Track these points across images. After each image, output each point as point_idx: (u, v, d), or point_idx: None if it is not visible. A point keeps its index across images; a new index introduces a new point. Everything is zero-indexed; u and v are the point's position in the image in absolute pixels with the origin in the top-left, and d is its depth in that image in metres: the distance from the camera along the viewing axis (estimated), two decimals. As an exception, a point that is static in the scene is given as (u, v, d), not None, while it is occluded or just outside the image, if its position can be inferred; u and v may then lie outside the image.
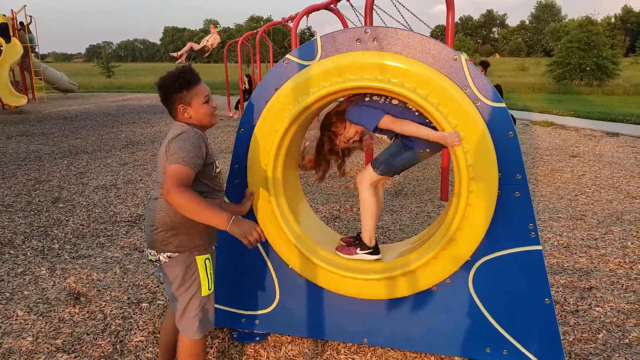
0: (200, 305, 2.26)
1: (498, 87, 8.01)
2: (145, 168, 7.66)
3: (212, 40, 12.83)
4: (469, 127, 2.35)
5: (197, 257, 2.24)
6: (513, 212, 2.46)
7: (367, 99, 2.63)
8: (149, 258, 2.27)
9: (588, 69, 30.35)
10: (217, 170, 2.34)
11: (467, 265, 2.58)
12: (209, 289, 2.29)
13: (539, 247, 2.47)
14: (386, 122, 2.53)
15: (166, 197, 2.00)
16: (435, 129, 2.45)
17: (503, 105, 2.37)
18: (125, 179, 6.99)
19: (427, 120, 2.50)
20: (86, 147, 9.49)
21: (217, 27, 13.11)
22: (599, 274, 3.79)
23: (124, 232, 4.88)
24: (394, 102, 2.57)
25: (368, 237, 2.80)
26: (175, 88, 2.19)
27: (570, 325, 3.08)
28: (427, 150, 2.60)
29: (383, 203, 2.98)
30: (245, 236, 2.04)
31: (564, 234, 4.63)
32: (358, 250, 2.81)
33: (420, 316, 2.71)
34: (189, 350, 2.28)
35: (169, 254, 2.20)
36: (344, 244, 2.90)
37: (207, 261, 2.28)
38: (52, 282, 3.80)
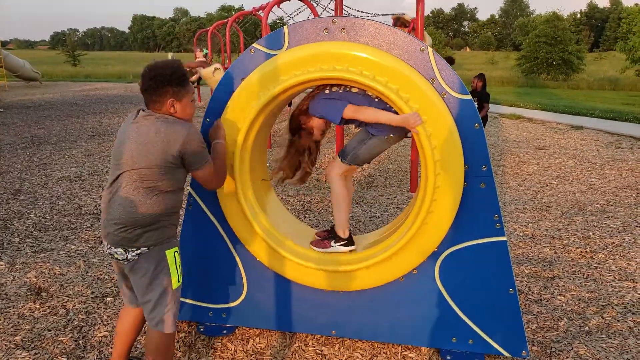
0: (172, 299, 2.24)
1: (482, 76, 7.95)
2: (111, 159, 7.47)
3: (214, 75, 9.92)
4: (436, 120, 2.36)
5: (166, 251, 2.21)
6: (478, 204, 2.49)
7: (327, 91, 2.61)
8: (116, 257, 2.19)
9: (555, 63, 31.14)
10: None
11: (433, 257, 2.60)
12: (179, 281, 2.27)
13: (504, 238, 2.52)
14: (349, 111, 2.51)
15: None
16: (396, 113, 2.45)
17: (469, 97, 2.39)
18: (90, 170, 6.79)
19: (387, 106, 2.49)
20: (50, 138, 9.18)
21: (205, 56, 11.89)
22: (562, 263, 3.90)
23: (88, 225, 4.74)
24: (354, 90, 2.56)
25: (342, 229, 2.80)
26: (172, 81, 2.17)
27: (534, 314, 3.16)
28: (392, 135, 2.58)
29: (352, 194, 2.99)
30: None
31: (529, 224, 4.74)
32: (332, 243, 2.80)
33: (387, 307, 2.73)
34: (161, 344, 2.25)
35: (138, 250, 2.15)
36: (318, 238, 2.89)
37: (175, 254, 2.26)
38: (11, 277, 3.66)
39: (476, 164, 2.43)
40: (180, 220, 2.50)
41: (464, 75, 23.04)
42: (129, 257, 2.16)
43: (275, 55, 2.52)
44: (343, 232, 2.80)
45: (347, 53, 2.40)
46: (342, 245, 2.80)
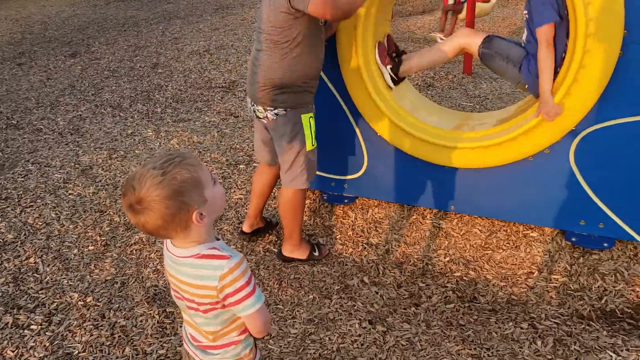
0: (306, 160, 2.40)
1: None
2: (235, 33, 7.65)
3: None
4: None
5: (302, 115, 2.33)
6: (636, 76, 2.15)
7: None
8: (257, 115, 2.37)
9: None
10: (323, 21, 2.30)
11: (570, 135, 2.38)
12: (312, 145, 2.41)
13: (663, 117, 2.19)
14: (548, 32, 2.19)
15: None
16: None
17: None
18: (217, 44, 7.06)
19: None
20: (178, 12, 9.58)
21: None
22: None
23: (219, 98, 5.07)
24: None
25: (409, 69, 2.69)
26: None
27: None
28: (527, 86, 2.41)
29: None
30: None
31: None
32: (387, 68, 2.66)
33: (511, 186, 2.63)
34: (293, 200, 2.48)
35: (275, 110, 2.29)
36: (385, 46, 2.69)
37: (310, 119, 2.37)
38: (158, 143, 4.15)
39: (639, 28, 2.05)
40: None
41: None
42: (268, 116, 2.32)
43: None
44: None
45: None
46: (391, 77, 2.67)
